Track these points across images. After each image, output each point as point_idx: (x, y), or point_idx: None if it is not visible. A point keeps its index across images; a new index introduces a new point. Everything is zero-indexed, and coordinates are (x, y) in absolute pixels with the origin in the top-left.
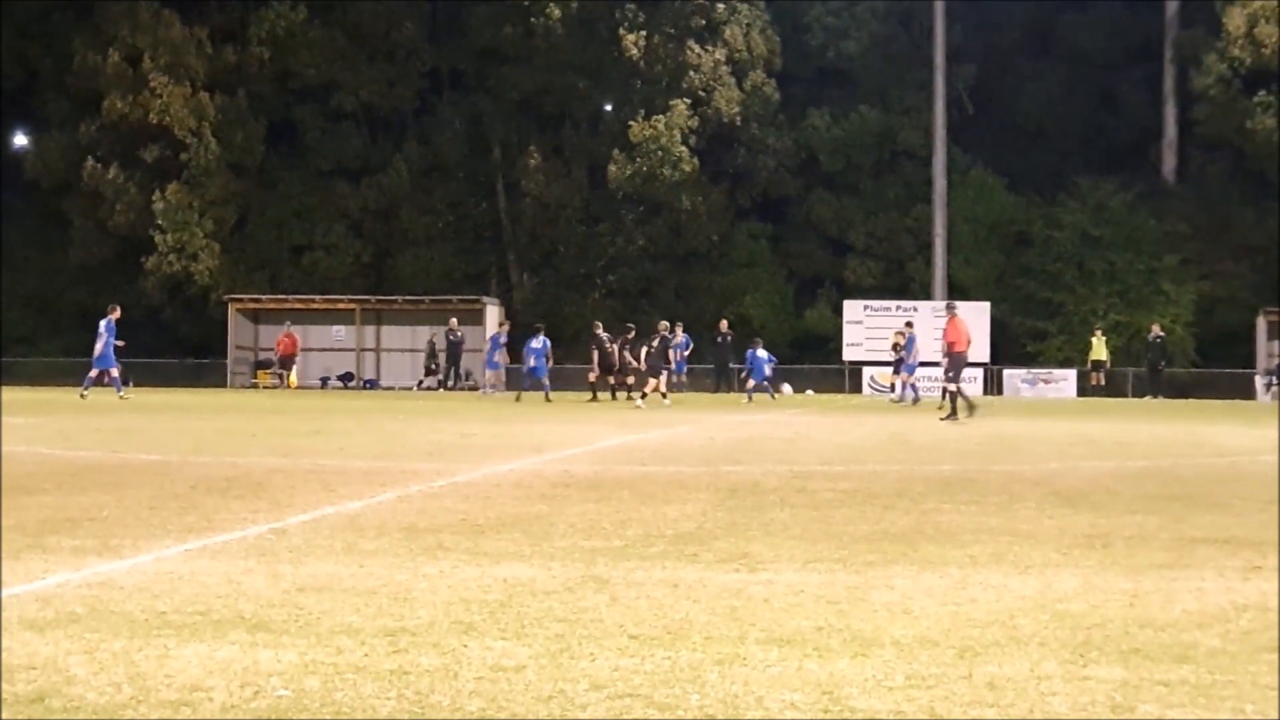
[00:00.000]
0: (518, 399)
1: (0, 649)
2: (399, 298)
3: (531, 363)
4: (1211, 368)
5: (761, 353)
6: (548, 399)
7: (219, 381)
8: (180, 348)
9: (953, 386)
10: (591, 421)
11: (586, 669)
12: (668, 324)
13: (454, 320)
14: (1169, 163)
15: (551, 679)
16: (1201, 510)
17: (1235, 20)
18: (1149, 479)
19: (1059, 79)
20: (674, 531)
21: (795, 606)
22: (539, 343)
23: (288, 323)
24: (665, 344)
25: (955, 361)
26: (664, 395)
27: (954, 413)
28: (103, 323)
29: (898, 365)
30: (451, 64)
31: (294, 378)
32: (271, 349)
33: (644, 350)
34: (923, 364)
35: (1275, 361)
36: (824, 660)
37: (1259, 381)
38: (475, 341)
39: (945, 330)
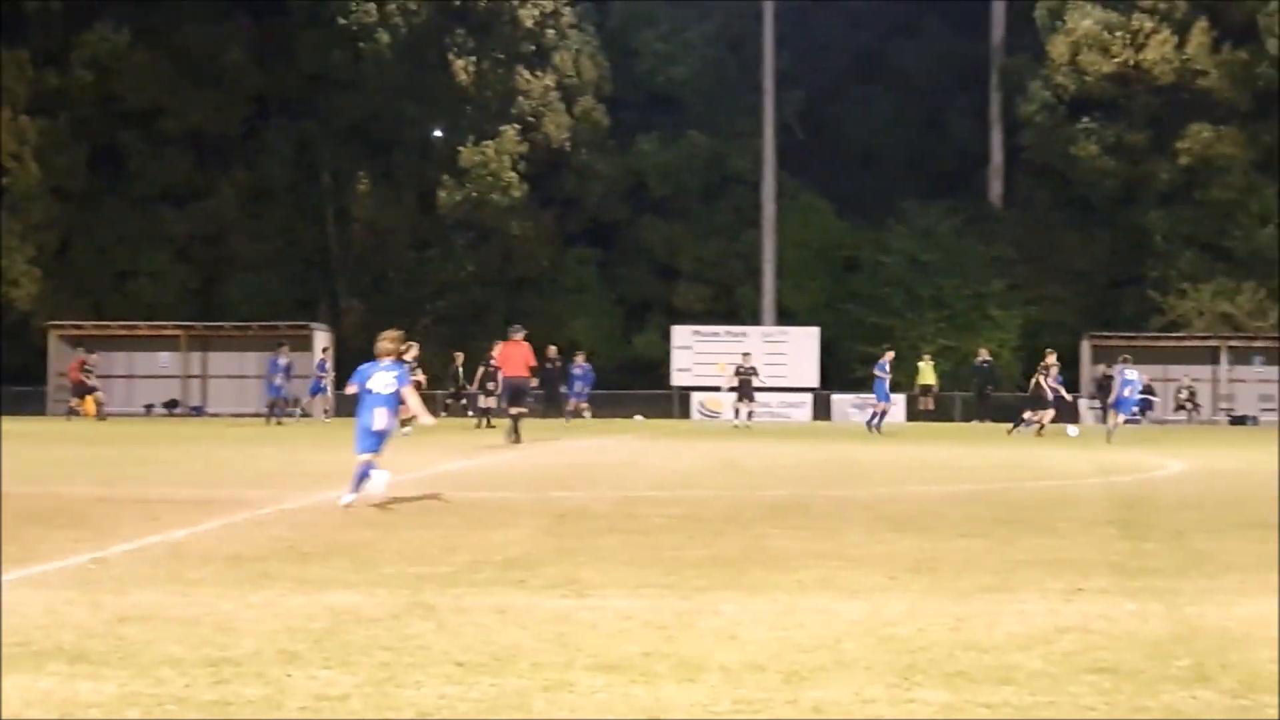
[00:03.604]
0: (278, 423)
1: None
2: (226, 324)
3: (276, 382)
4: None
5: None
6: (277, 422)
7: (39, 409)
8: None
9: (513, 410)
10: (420, 447)
11: (412, 697)
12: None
13: (284, 347)
14: (995, 188)
15: (376, 708)
16: (1027, 533)
17: (1059, 48)
18: (976, 503)
19: (887, 105)
20: (502, 557)
21: (623, 632)
22: (285, 360)
23: (80, 349)
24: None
25: (507, 386)
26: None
27: (516, 437)
28: None
29: (741, 392)
30: (279, 89)
31: (91, 405)
32: (95, 376)
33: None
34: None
35: (1099, 378)
36: (651, 686)
37: (1083, 405)
38: (303, 368)
39: (496, 356)
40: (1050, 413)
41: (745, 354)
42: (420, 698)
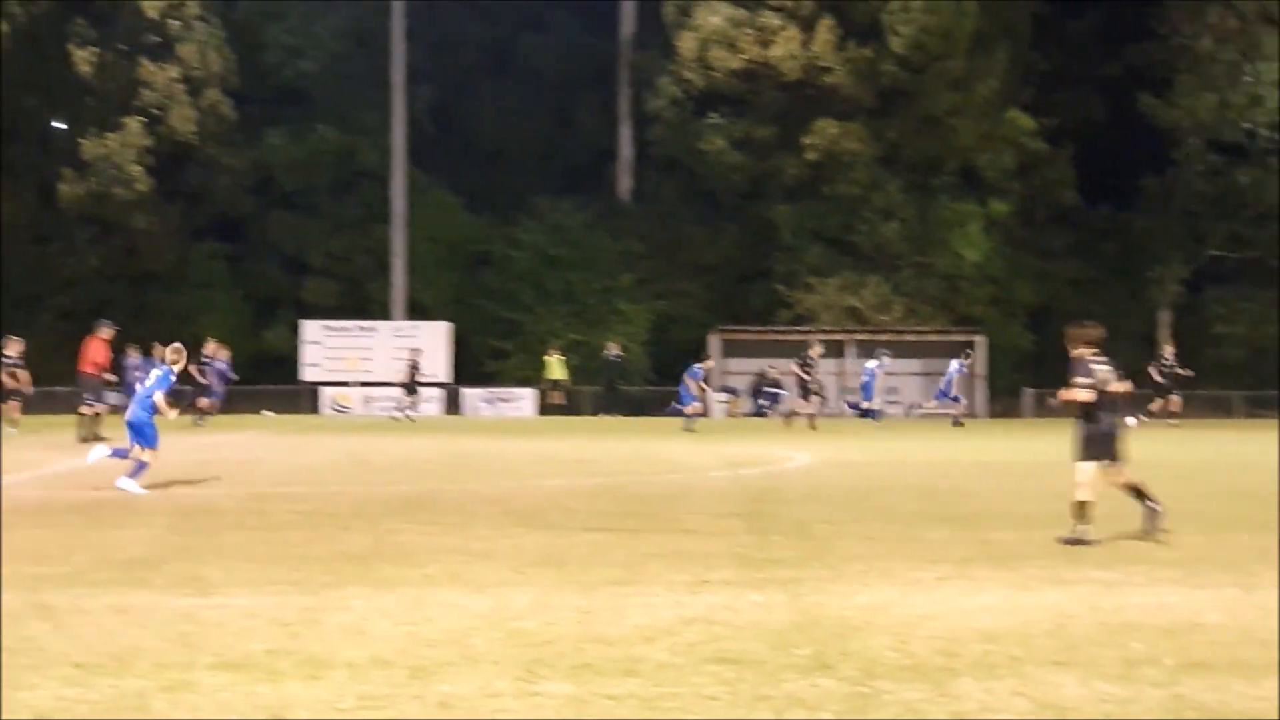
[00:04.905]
0: None
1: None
2: None
3: None
4: (667, 385)
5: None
6: None
7: None
8: None
9: (82, 409)
10: (43, 446)
11: (27, 699)
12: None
13: None
14: (624, 183)
15: None
16: (654, 527)
17: (687, 44)
18: (604, 496)
19: (517, 100)
20: (125, 556)
21: (248, 630)
22: None
23: None
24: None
25: (84, 383)
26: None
27: (86, 435)
28: None
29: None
30: None
31: None
32: None
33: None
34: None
35: (756, 374)
36: (275, 683)
37: (712, 398)
38: None
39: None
40: (816, 401)
41: (414, 349)
42: (36, 699)
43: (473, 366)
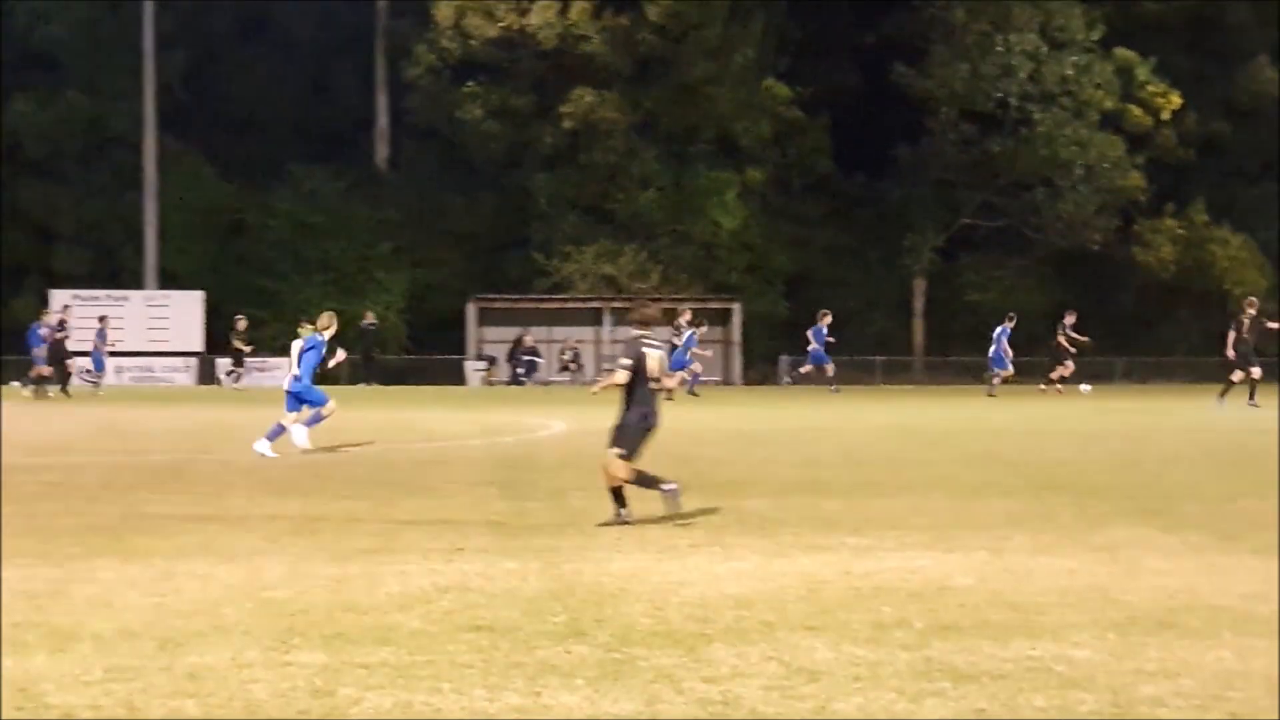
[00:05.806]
0: None
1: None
2: None
3: None
4: (424, 354)
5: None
6: None
7: None
8: None
9: None
10: None
11: None
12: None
13: None
14: (381, 151)
15: None
16: (409, 494)
17: (444, 12)
18: (358, 465)
19: (271, 67)
20: None
21: None
22: None
23: None
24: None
25: None
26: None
27: None
28: None
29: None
30: None
31: None
32: None
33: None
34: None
35: (494, 347)
36: (20, 657)
37: (469, 367)
38: None
39: None
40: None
41: (238, 317)
42: None
43: (227, 336)
